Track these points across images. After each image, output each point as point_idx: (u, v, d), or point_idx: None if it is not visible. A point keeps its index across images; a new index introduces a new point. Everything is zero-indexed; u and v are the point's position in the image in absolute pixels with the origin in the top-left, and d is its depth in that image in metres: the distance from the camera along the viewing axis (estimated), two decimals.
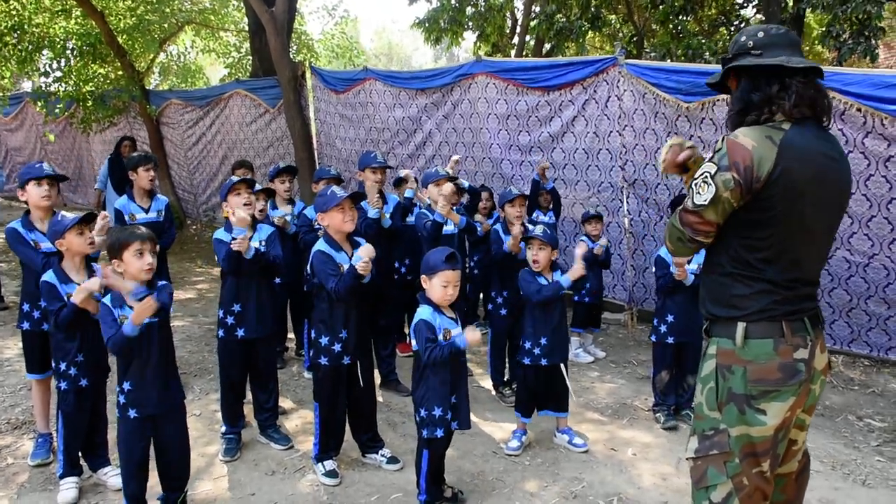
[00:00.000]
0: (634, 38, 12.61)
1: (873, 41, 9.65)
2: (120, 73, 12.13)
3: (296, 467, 4.32)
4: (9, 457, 4.49)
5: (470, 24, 13.82)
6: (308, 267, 4.04)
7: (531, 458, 4.47)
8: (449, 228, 4.95)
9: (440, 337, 3.62)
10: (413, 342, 3.69)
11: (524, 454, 4.52)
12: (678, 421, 4.99)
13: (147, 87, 12.84)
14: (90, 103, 11.98)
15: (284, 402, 5.21)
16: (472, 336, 3.55)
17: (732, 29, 13.56)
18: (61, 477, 4.02)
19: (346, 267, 3.92)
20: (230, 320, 4.42)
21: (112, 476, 4.13)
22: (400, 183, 6.09)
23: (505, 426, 4.90)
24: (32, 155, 15.61)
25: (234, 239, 4.20)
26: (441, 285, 3.59)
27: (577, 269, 4.36)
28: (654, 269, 5.05)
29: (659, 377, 5.05)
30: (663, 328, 4.96)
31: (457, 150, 8.11)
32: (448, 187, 4.91)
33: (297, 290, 5.74)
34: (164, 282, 3.60)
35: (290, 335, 6.49)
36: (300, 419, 5.04)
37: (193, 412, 5.01)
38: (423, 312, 3.64)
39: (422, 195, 5.89)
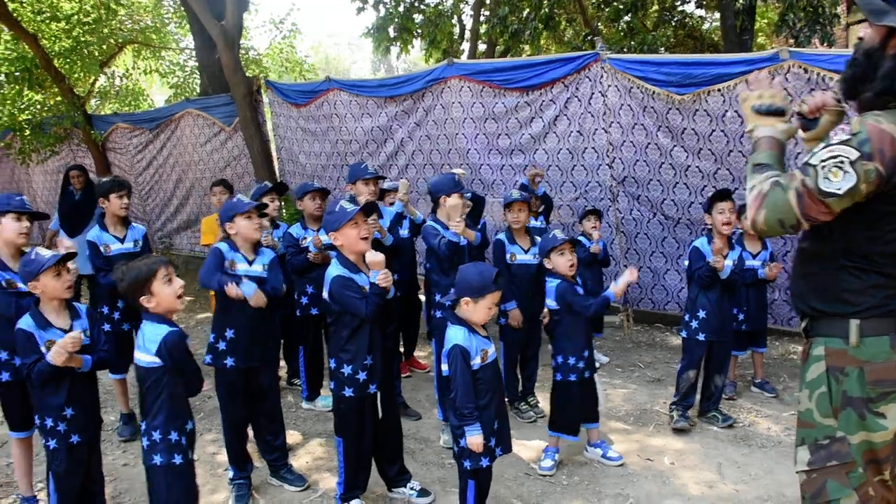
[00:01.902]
0: (588, 37, 12.52)
1: (829, 28, 9.75)
2: (59, 98, 11.46)
3: None
4: None
5: (419, 31, 13.57)
6: (326, 294, 3.67)
7: (567, 477, 4.21)
8: (463, 241, 4.64)
9: (478, 359, 3.34)
10: (444, 367, 3.38)
11: (559, 472, 4.26)
12: (692, 424, 4.81)
13: (89, 112, 12.19)
14: (28, 132, 11.27)
15: (288, 438, 4.82)
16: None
17: (675, 24, 13.68)
18: None
19: (368, 288, 3.58)
20: (221, 346, 4.01)
21: None
22: (383, 194, 5.77)
23: (530, 444, 4.64)
24: None
25: (244, 286, 3.89)
26: (487, 307, 3.32)
27: (621, 288, 4.16)
28: (686, 262, 4.86)
29: (686, 375, 4.84)
30: (695, 324, 4.77)
31: (431, 158, 7.82)
32: (455, 203, 4.61)
33: (287, 315, 5.35)
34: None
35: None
36: (308, 455, 4.68)
37: None
38: (456, 335, 3.33)
39: (411, 208, 5.58)
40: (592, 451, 4.42)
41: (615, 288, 4.13)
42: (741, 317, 5.27)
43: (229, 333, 3.99)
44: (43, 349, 3.29)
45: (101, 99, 15.08)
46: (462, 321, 3.37)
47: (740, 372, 5.62)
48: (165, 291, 3.05)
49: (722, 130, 5.82)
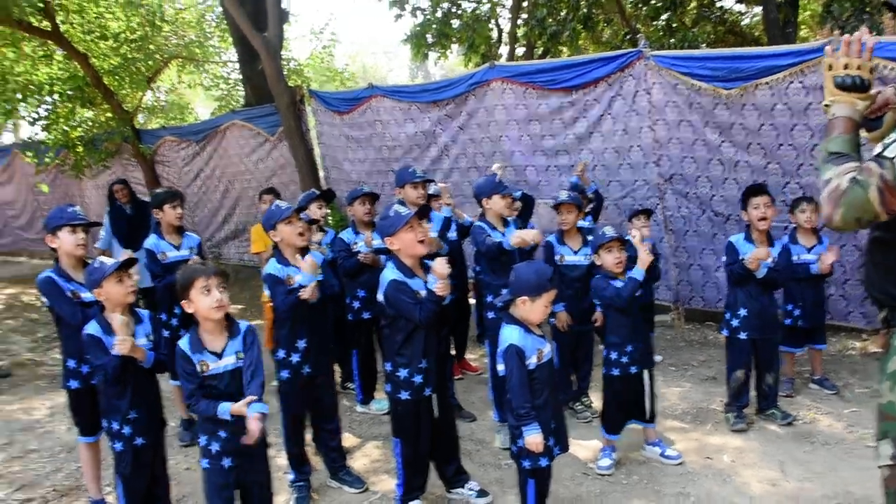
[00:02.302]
0: (628, 36, 12.43)
1: (877, 16, 9.52)
2: (109, 115, 11.75)
3: None
4: None
5: (457, 36, 13.60)
6: (381, 297, 3.71)
7: (626, 476, 4.18)
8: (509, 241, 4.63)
9: (533, 359, 3.34)
10: (500, 367, 3.39)
11: (617, 472, 4.24)
12: (749, 423, 4.73)
13: (137, 127, 12.47)
14: (80, 149, 11.59)
15: (344, 441, 4.86)
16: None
17: (715, 20, 13.48)
18: None
19: (423, 293, 3.60)
20: (296, 358, 4.08)
21: None
22: (426, 211, 5.79)
23: (585, 444, 4.61)
24: (24, 207, 15.13)
25: (300, 287, 3.93)
26: (544, 305, 3.33)
27: (644, 257, 4.09)
28: (723, 258, 4.80)
29: (735, 376, 4.78)
30: (735, 322, 4.70)
31: (476, 161, 7.84)
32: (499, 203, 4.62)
33: (341, 319, 5.41)
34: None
35: None
36: (366, 457, 4.72)
37: None
38: (512, 335, 3.34)
39: (459, 212, 5.60)
40: (650, 450, 4.38)
41: (640, 264, 4.09)
42: (797, 312, 5.18)
43: (301, 344, 4.07)
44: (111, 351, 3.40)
45: (149, 114, 15.42)
46: (517, 321, 3.37)
47: (798, 369, 5.52)
48: (202, 301, 3.14)
49: (771, 124, 5.73)
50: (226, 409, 3.09)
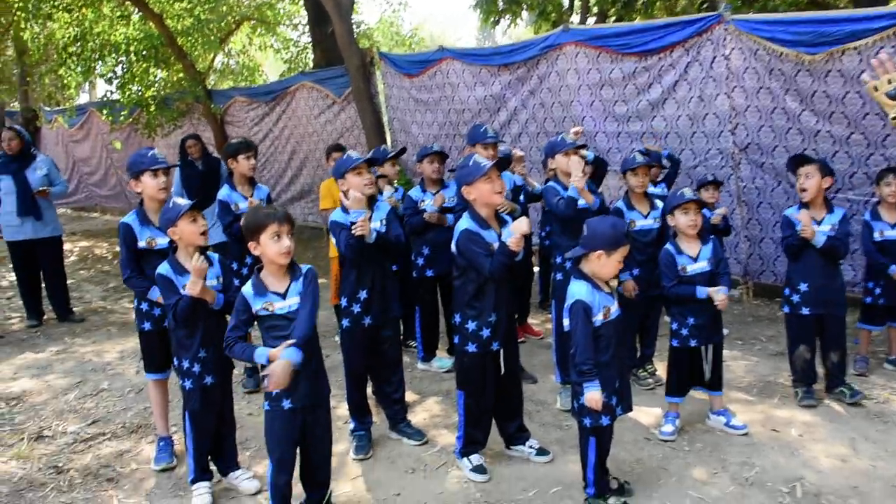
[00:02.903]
0: (705, 5, 12.05)
1: None
2: (181, 75, 12.01)
3: (437, 464, 4.06)
4: (132, 462, 4.31)
5: (528, 2, 13.40)
6: (454, 247, 3.73)
7: (689, 444, 4.14)
8: (582, 203, 4.58)
9: (600, 315, 3.32)
10: (566, 322, 3.38)
11: (680, 439, 4.20)
12: (818, 399, 4.61)
13: (208, 87, 12.71)
14: (153, 108, 11.91)
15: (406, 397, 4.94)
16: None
17: None
18: (192, 482, 3.80)
19: (496, 246, 3.61)
20: (356, 308, 4.14)
21: (245, 480, 3.91)
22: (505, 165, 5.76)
23: (647, 410, 4.58)
24: (99, 164, 15.66)
25: (353, 224, 3.92)
26: (618, 261, 3.33)
27: (721, 300, 4.03)
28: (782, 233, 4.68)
29: (797, 353, 4.66)
30: (796, 298, 4.58)
31: (545, 126, 7.76)
32: (572, 160, 4.55)
33: (405, 276, 5.46)
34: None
35: None
36: (426, 412, 4.79)
37: None
38: (579, 290, 3.33)
39: (530, 180, 5.55)
40: (715, 419, 4.32)
41: (713, 292, 4.05)
42: (878, 290, 5.00)
43: (363, 294, 4.12)
44: (182, 291, 3.51)
45: (220, 75, 15.69)
46: (586, 276, 3.36)
47: (874, 349, 5.34)
48: (271, 247, 3.17)
49: (857, 92, 5.48)
50: (263, 353, 3.13)
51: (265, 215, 3.22)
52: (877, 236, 4.87)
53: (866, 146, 5.63)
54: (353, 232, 3.92)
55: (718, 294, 4.01)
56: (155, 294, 3.89)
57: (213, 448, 3.88)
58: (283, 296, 3.22)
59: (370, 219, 4.06)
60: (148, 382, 4.36)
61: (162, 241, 3.98)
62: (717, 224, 5.58)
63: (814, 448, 4.01)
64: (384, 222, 4.20)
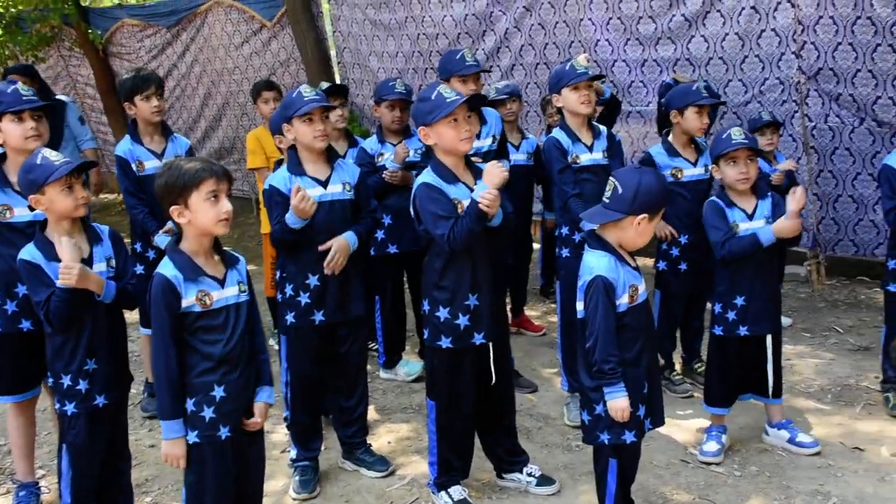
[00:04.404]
0: None
1: None
2: None
3: (406, 501, 4.06)
4: None
5: None
6: (411, 209, 3.73)
7: (740, 467, 4.19)
8: (588, 159, 4.62)
9: (625, 298, 3.34)
10: (580, 306, 3.39)
11: (728, 461, 4.25)
12: None
13: (83, 5, 12.57)
14: (1, 32, 11.71)
15: None
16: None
17: None
18: None
19: (465, 204, 3.60)
20: (304, 299, 4.11)
21: None
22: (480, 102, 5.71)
23: (684, 424, 4.66)
24: None
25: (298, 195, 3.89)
26: (656, 227, 3.46)
27: (789, 226, 4.03)
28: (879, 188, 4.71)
29: (895, 344, 4.70)
30: None
31: (546, 55, 7.76)
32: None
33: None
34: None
35: None
36: (391, 434, 4.82)
37: None
38: (599, 264, 3.33)
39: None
40: (775, 435, 4.36)
41: (778, 227, 4.05)
42: None
43: (312, 280, 4.08)
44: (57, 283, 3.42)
45: None
46: (608, 246, 3.35)
47: None
48: (206, 212, 3.08)
49: None
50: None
51: (197, 168, 3.12)
52: None
53: None
54: (290, 219, 3.90)
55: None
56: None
57: (101, 491, 3.80)
58: (221, 283, 3.19)
59: (328, 182, 4.05)
60: (4, 406, 4.26)
61: (21, 212, 3.87)
62: (779, 184, 5.59)
63: None
64: (348, 187, 4.16)
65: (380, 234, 5.35)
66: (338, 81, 9.53)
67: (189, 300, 3.10)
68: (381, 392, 5.39)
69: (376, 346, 5.68)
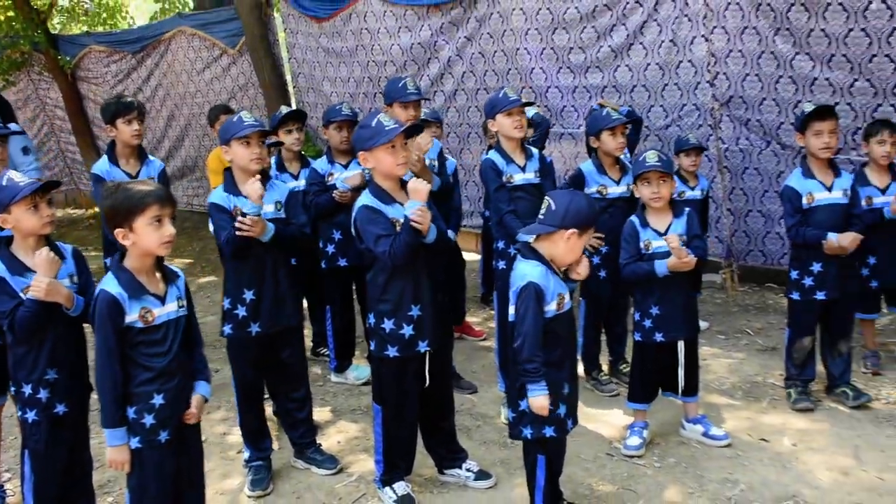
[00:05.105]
0: None
1: None
2: (11, 13, 11.59)
3: (354, 496, 4.08)
4: None
5: None
6: (353, 229, 3.76)
7: (660, 459, 4.26)
8: (522, 179, 4.68)
9: (553, 305, 3.39)
10: (511, 310, 3.43)
11: (649, 453, 4.31)
12: (816, 401, 4.78)
13: (53, 32, 12.38)
14: None
15: (316, 415, 4.93)
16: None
17: None
18: None
19: (402, 222, 3.65)
20: (242, 312, 4.09)
21: None
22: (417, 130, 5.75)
23: (610, 420, 4.73)
24: None
25: (242, 215, 3.88)
26: (585, 244, 3.47)
27: (678, 265, 4.12)
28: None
29: (799, 344, 4.81)
30: (809, 281, 4.71)
31: (486, 81, 7.83)
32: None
33: (312, 268, 5.44)
34: None
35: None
36: (340, 434, 4.81)
37: None
38: (532, 272, 3.37)
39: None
40: (691, 429, 4.44)
41: (669, 263, 4.13)
42: (865, 271, 5.15)
43: (248, 295, 4.08)
44: (23, 295, 3.37)
45: (69, 16, 15.21)
46: (541, 258, 3.40)
47: (882, 340, 5.58)
48: (149, 235, 3.06)
49: (862, 29, 5.67)
50: None
51: (143, 193, 3.09)
52: (863, 204, 4.95)
53: (873, 95, 5.84)
54: (238, 232, 3.86)
55: (677, 251, 4.08)
56: None
57: (63, 495, 3.75)
58: (162, 300, 3.17)
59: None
60: None
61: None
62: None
63: (810, 460, 4.14)
64: (280, 206, 4.17)
65: (330, 249, 5.36)
66: (293, 105, 9.55)
67: (132, 317, 3.07)
68: (331, 395, 5.39)
69: (328, 352, 5.68)
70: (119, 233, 3.07)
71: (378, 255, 3.65)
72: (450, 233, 5.58)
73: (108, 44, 11.52)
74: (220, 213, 4.01)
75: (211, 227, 4.22)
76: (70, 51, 11.80)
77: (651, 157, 4.22)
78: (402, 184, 3.83)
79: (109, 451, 3.12)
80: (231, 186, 4.06)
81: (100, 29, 14.19)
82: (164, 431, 3.16)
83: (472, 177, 7.97)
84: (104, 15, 14.75)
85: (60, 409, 3.51)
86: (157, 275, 3.20)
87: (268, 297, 4.11)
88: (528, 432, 3.44)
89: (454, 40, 7.90)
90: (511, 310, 3.43)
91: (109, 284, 3.08)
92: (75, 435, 3.65)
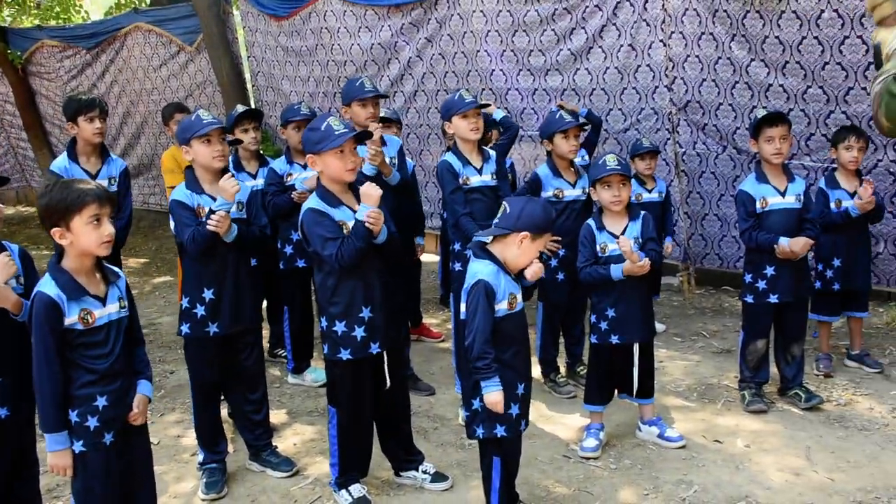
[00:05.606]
0: None
1: None
2: None
3: (309, 499, 4.06)
4: None
5: None
6: (300, 232, 3.79)
7: (616, 460, 4.29)
8: (479, 182, 4.70)
9: (504, 304, 3.42)
10: (462, 308, 3.45)
11: (605, 455, 4.35)
12: (769, 403, 4.85)
13: (3, 25, 12.19)
14: None
15: (272, 417, 4.90)
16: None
17: None
18: None
19: (350, 225, 3.65)
20: (200, 312, 4.07)
21: None
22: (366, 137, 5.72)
23: (567, 422, 4.75)
24: None
25: (211, 212, 3.86)
26: (539, 249, 3.47)
27: (634, 271, 4.16)
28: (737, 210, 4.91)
29: (753, 347, 4.87)
30: (762, 284, 4.78)
31: (446, 83, 7.84)
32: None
33: (270, 268, 5.41)
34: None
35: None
36: (296, 436, 4.79)
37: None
38: (483, 270, 3.40)
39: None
40: (647, 431, 4.48)
41: (626, 268, 4.17)
42: (829, 274, 5.24)
43: (208, 294, 4.05)
44: None
45: (19, 9, 14.98)
46: (494, 258, 3.42)
47: (834, 342, 5.65)
48: (88, 235, 3.02)
49: (815, 37, 5.78)
50: None
51: (80, 192, 3.04)
52: (833, 207, 5.11)
53: (825, 102, 5.95)
54: (208, 224, 3.84)
55: (629, 254, 4.10)
56: None
57: (8, 500, 3.68)
58: (104, 301, 3.13)
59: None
60: None
61: None
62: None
63: (763, 461, 4.20)
64: (242, 207, 4.14)
65: (288, 249, 5.35)
66: (252, 104, 9.49)
67: (71, 319, 3.02)
68: (288, 396, 5.36)
69: (285, 353, 5.66)
70: (56, 232, 3.02)
71: (325, 259, 3.64)
72: (418, 239, 5.64)
73: (61, 38, 11.35)
74: (183, 210, 3.98)
75: (172, 226, 4.17)
76: (21, 45, 11.63)
77: (611, 161, 4.26)
78: (351, 186, 3.82)
79: (50, 456, 3.07)
80: (194, 184, 4.03)
81: (53, 23, 13.95)
82: (109, 434, 3.12)
83: (432, 178, 7.98)
84: (57, 9, 14.52)
85: (2, 412, 3.39)
86: (97, 275, 3.15)
87: (227, 296, 4.09)
88: (480, 431, 3.47)
89: (415, 41, 7.91)
90: (462, 307, 3.45)
91: (47, 286, 3.03)
92: (21, 439, 3.55)
